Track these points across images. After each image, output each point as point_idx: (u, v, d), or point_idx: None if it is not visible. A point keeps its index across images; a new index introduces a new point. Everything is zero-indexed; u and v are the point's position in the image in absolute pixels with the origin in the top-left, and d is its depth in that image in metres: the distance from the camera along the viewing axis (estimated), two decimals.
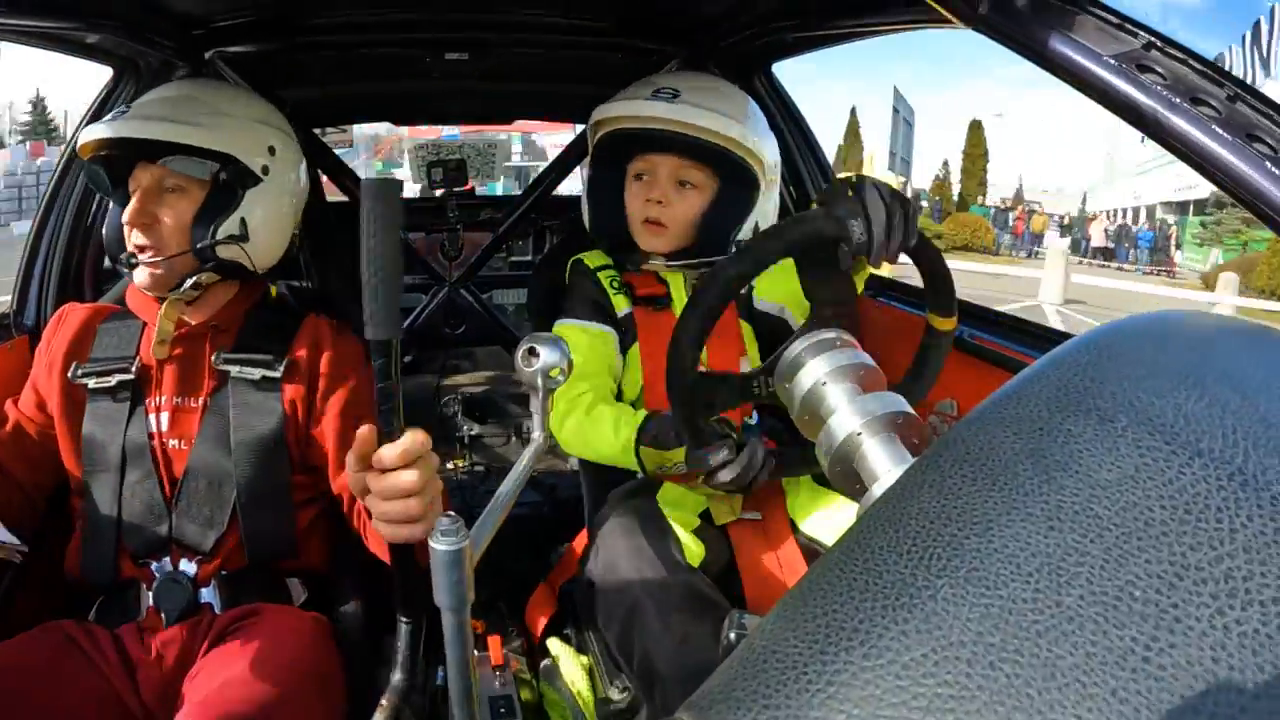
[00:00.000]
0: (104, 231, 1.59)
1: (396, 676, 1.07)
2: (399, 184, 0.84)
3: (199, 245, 1.50)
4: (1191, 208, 32.64)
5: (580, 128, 2.70)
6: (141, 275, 1.51)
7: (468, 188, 3.05)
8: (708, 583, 1.49)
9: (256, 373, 1.53)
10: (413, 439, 0.97)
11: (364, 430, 0.97)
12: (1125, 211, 39.04)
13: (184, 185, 1.50)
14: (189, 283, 1.51)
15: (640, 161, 1.71)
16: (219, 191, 1.52)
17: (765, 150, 1.70)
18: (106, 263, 1.99)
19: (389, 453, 0.96)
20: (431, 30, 2.17)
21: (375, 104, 3.26)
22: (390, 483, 0.97)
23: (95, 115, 1.97)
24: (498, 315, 2.73)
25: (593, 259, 1.83)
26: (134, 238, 1.49)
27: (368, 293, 0.83)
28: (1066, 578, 0.35)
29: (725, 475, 1.33)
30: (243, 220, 1.53)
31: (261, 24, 2.06)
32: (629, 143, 1.71)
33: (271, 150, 1.58)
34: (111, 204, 1.58)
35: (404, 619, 1.07)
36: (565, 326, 1.73)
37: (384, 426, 0.94)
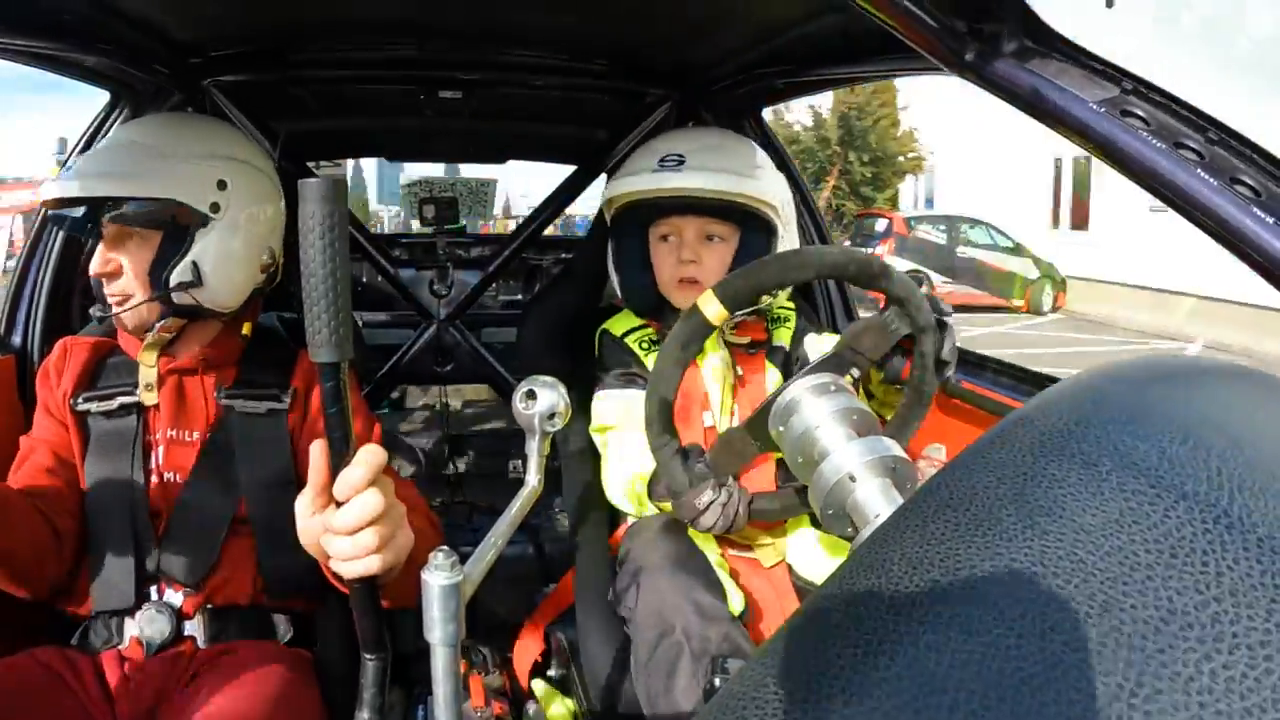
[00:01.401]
0: (82, 291, 1.61)
1: (364, 715, 1.05)
2: (343, 182, 0.78)
3: (154, 294, 1.49)
4: None
5: (570, 169, 2.72)
6: (118, 322, 1.53)
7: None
8: (744, 635, 1.43)
9: (263, 406, 1.54)
10: (364, 458, 0.91)
11: (315, 458, 0.93)
12: None
13: (143, 233, 1.50)
14: (156, 327, 1.51)
15: (664, 225, 1.73)
16: (169, 236, 1.51)
17: (776, 194, 1.72)
18: None
19: (346, 477, 0.90)
20: (426, 68, 2.19)
21: (368, 139, 3.29)
22: (345, 514, 0.92)
23: (90, 140, 1.99)
24: (486, 354, 2.72)
25: (618, 325, 1.83)
26: (104, 286, 1.50)
27: (311, 309, 0.76)
28: (1051, 624, 0.35)
29: (707, 519, 1.32)
30: (194, 264, 1.51)
31: (258, 55, 2.08)
32: (648, 208, 1.72)
33: (222, 185, 1.55)
34: (80, 261, 1.61)
35: (369, 656, 1.04)
36: (601, 398, 1.74)
37: (334, 458, 0.88)
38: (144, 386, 1.53)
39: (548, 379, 1.07)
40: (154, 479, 1.50)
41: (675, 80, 2.28)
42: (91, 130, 2.04)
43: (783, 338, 1.78)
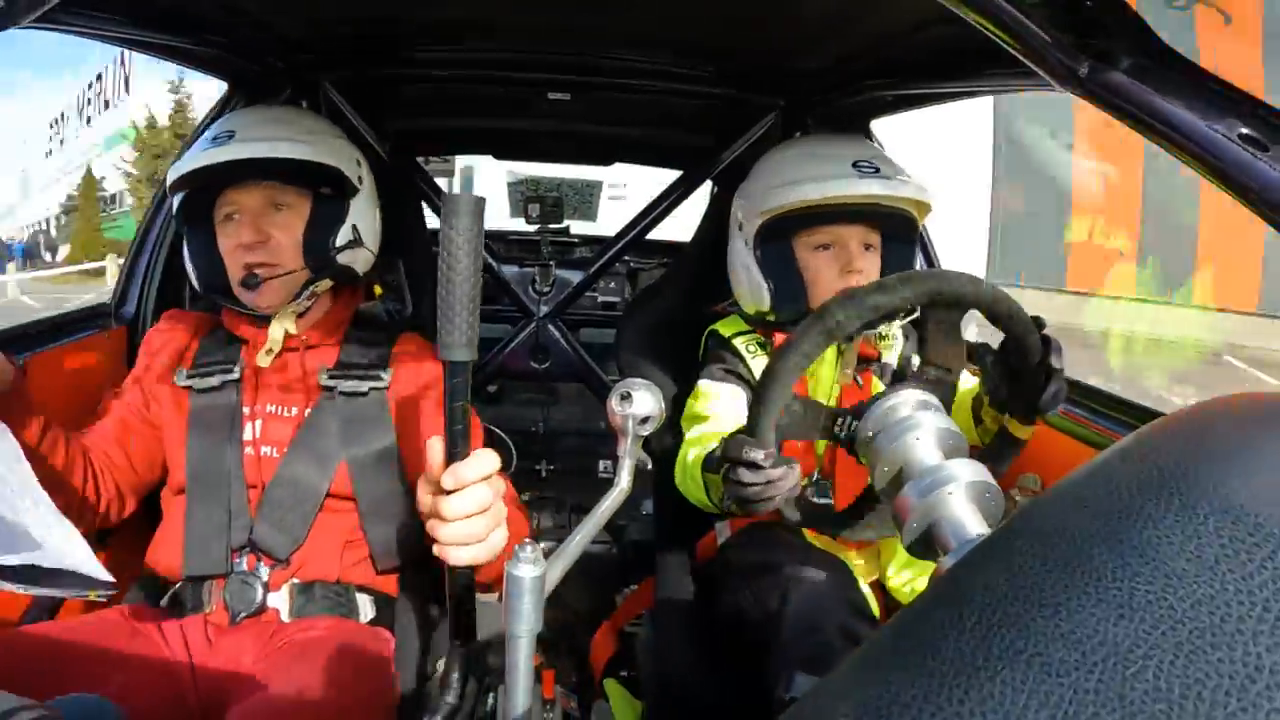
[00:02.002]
0: (194, 264, 1.63)
1: (446, 698, 1.08)
2: (483, 200, 0.83)
3: (320, 255, 1.58)
4: None
5: (675, 174, 2.72)
6: (258, 294, 1.57)
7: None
8: None
9: (365, 385, 1.59)
10: (481, 459, 0.98)
11: (433, 450, 0.98)
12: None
13: (291, 202, 1.58)
14: (306, 293, 1.60)
15: (823, 233, 1.69)
16: (324, 204, 1.60)
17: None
18: None
19: (459, 471, 0.96)
20: (536, 70, 2.23)
21: (476, 137, 3.34)
22: (457, 503, 0.98)
23: (207, 126, 2.08)
24: (584, 353, 2.75)
25: (727, 328, 1.82)
26: (247, 257, 1.56)
27: (444, 312, 0.82)
28: (1134, 670, 0.34)
29: (745, 475, 1.24)
30: (354, 227, 1.62)
31: (370, 52, 2.15)
32: (802, 216, 1.69)
33: (358, 163, 1.67)
34: (192, 240, 1.64)
35: (456, 643, 1.07)
36: (701, 387, 1.73)
37: (452, 448, 0.94)
38: (264, 352, 1.60)
39: (645, 382, 1.07)
40: (250, 452, 1.56)
41: (783, 89, 2.26)
42: (211, 117, 2.12)
43: (890, 355, 1.75)
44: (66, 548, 1.06)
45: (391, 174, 1.77)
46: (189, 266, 1.65)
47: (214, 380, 1.59)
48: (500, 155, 3.67)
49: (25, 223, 45.72)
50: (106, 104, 36.86)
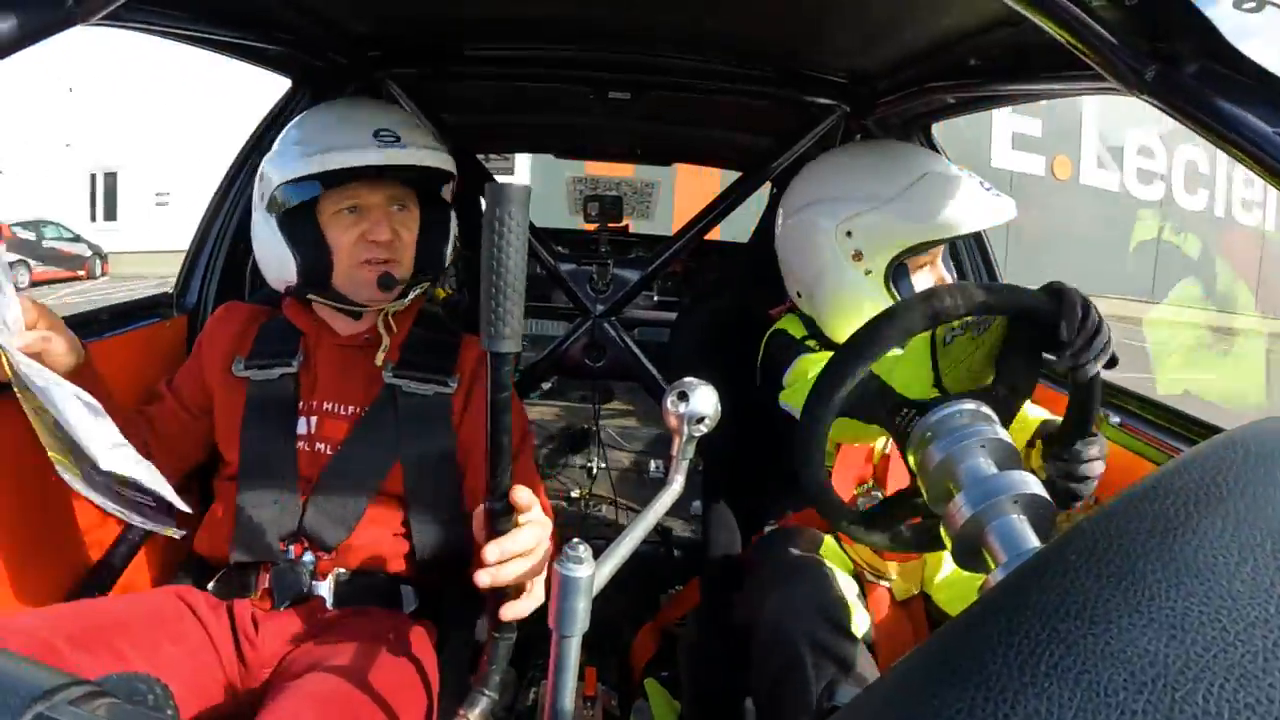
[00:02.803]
0: (299, 252, 1.60)
1: (484, 690, 1.09)
2: (528, 189, 0.82)
3: (434, 261, 1.65)
4: None
5: (734, 175, 2.71)
6: (374, 290, 1.59)
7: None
8: (868, 658, 1.41)
9: (429, 389, 1.60)
10: (524, 535, 1.03)
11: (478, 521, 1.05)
12: None
13: (410, 205, 1.62)
14: (412, 294, 1.64)
15: (927, 255, 1.69)
16: (432, 210, 1.65)
17: None
18: None
19: (504, 545, 1.03)
20: (595, 69, 2.23)
21: (536, 135, 3.36)
22: (502, 574, 1.04)
23: (273, 122, 2.12)
24: (639, 353, 2.75)
25: (796, 329, 1.78)
26: (382, 254, 1.58)
27: (488, 303, 0.81)
28: (1183, 693, 0.33)
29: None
30: (455, 238, 1.68)
31: (432, 49, 2.17)
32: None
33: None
34: (294, 229, 1.60)
35: (498, 635, 1.08)
36: (803, 359, 1.67)
37: (495, 438, 0.94)
38: (381, 350, 1.63)
39: (701, 382, 1.07)
40: (305, 446, 1.57)
41: (844, 91, 2.25)
42: (274, 114, 2.16)
43: None
44: (156, 483, 1.28)
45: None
46: (273, 259, 1.63)
47: (273, 372, 1.61)
48: (560, 154, 3.68)
49: None
50: None
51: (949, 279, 1.66)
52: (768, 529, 1.72)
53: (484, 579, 1.05)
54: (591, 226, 3.20)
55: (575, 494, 3.03)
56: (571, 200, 3.90)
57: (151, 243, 18.59)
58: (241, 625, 1.47)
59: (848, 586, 1.53)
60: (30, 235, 19.05)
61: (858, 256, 1.67)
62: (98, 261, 20.18)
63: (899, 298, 1.63)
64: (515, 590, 1.08)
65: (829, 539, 1.63)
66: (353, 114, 1.64)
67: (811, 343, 1.73)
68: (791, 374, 1.65)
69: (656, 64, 2.18)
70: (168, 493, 1.33)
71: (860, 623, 1.47)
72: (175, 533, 1.42)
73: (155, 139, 21.05)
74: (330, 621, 1.48)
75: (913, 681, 0.40)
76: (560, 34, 2.07)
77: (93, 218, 22.67)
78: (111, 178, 23.13)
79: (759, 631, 1.43)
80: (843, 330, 1.68)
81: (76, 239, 20.02)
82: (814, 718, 1.28)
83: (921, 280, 1.67)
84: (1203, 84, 0.98)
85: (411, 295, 1.64)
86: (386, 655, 1.38)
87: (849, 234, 1.67)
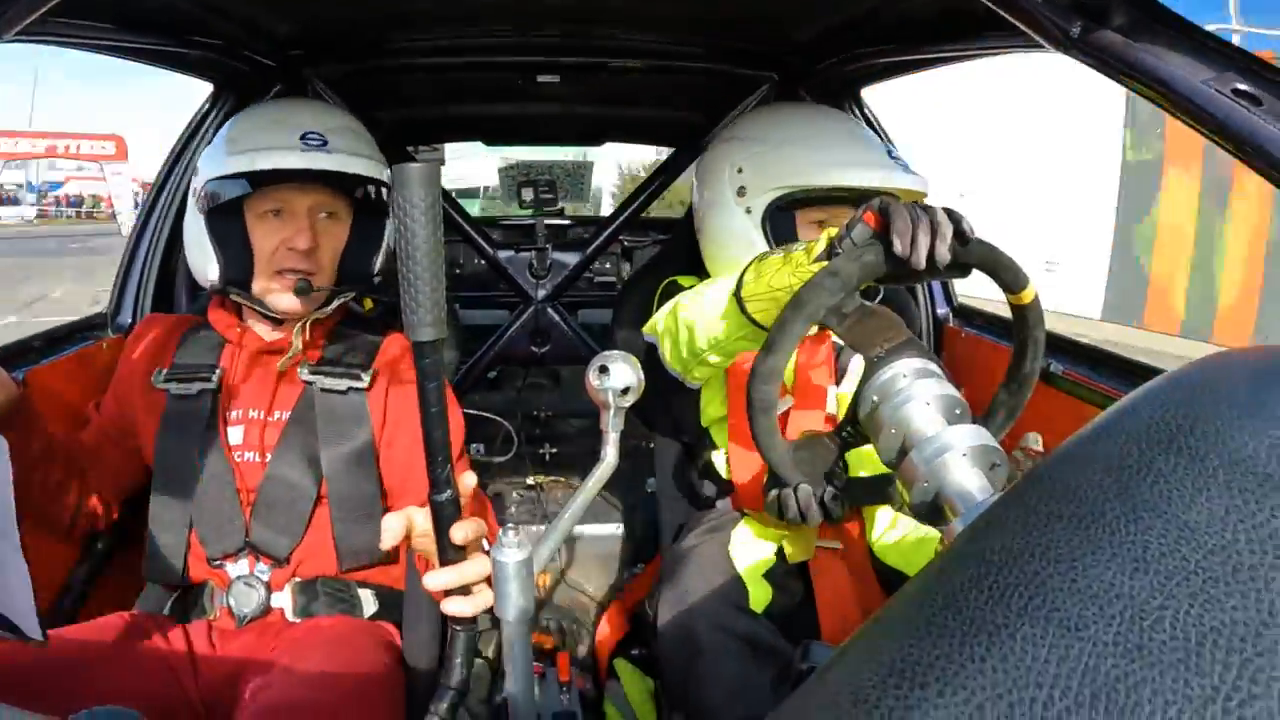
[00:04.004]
0: (222, 254, 1.57)
1: (449, 685, 1.08)
2: (435, 168, 0.79)
3: (359, 273, 1.61)
4: None
5: (666, 152, 2.73)
6: (307, 301, 1.56)
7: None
8: (770, 629, 1.47)
9: (343, 384, 1.57)
10: (466, 569, 0.98)
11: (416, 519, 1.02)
12: None
13: (340, 212, 1.58)
14: (335, 304, 1.59)
15: (820, 212, 1.67)
16: (365, 219, 1.61)
17: None
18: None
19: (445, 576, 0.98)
20: (524, 53, 2.21)
21: (468, 124, 3.33)
22: (451, 577, 1.00)
23: (194, 131, 2.07)
24: (584, 335, 2.75)
25: (688, 280, 1.80)
26: (300, 263, 1.54)
27: (409, 290, 0.78)
28: (1150, 621, 0.34)
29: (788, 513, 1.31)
30: (388, 246, 1.62)
31: (358, 44, 2.13)
32: (811, 198, 1.66)
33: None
34: (218, 230, 1.57)
35: (457, 628, 1.08)
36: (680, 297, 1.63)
37: (429, 432, 0.91)
38: (287, 359, 1.58)
39: (621, 354, 1.06)
40: (238, 457, 1.55)
41: (775, 61, 2.25)
42: (196, 123, 2.11)
43: None
44: (14, 590, 1.03)
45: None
46: (199, 256, 1.60)
47: (192, 386, 1.57)
48: (491, 141, 3.65)
49: None
50: None
51: None
52: (719, 502, 1.75)
53: (430, 582, 1.04)
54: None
55: (530, 481, 3.02)
56: (505, 187, 3.88)
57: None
58: (201, 647, 1.45)
59: (752, 563, 1.59)
60: None
61: (741, 193, 1.70)
62: None
63: (771, 244, 1.64)
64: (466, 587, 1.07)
65: (747, 519, 1.67)
66: (287, 115, 1.61)
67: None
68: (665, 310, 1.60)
69: (585, 45, 2.17)
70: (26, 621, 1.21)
71: (758, 597, 1.53)
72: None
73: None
74: (290, 634, 1.47)
75: (890, 632, 0.41)
76: (486, 20, 2.04)
77: None
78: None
79: (660, 620, 1.52)
80: (717, 268, 1.73)
81: None
82: (793, 682, 1.31)
83: (809, 238, 1.65)
84: (1128, 38, 1.00)
85: (334, 305, 1.59)
86: (350, 662, 1.38)
87: (740, 170, 1.71)
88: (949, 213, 1.13)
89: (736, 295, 1.29)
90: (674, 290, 1.79)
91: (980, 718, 0.34)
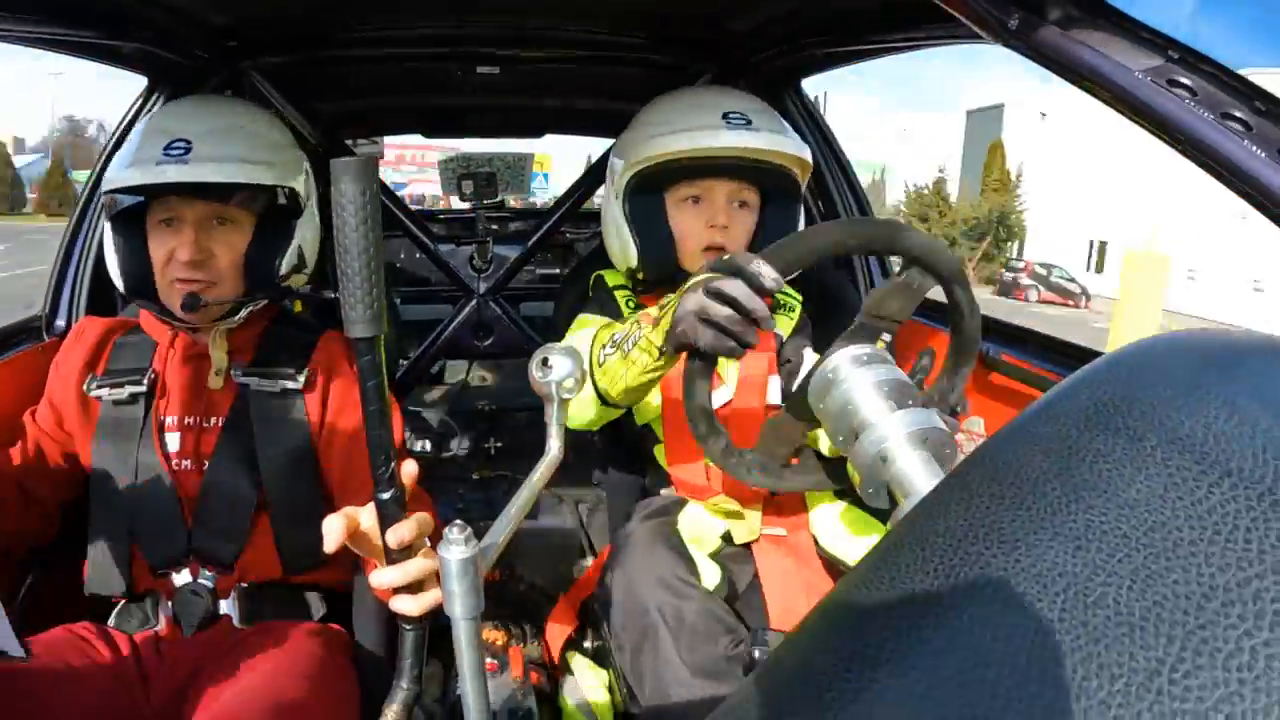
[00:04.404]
0: (121, 265, 1.54)
1: (401, 685, 1.07)
2: (374, 161, 0.78)
3: (263, 278, 1.52)
4: None
5: (610, 142, 2.72)
6: (198, 315, 1.51)
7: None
8: (723, 606, 1.48)
9: (276, 385, 1.54)
10: (410, 569, 0.98)
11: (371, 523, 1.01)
12: None
13: (237, 218, 1.51)
14: (244, 312, 1.53)
15: (691, 187, 1.66)
16: (269, 222, 1.53)
17: (810, 156, 1.70)
18: None
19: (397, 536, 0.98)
20: (463, 44, 2.19)
21: (406, 116, 3.29)
22: (396, 576, 1.00)
23: (127, 128, 2.00)
24: (526, 328, 2.74)
25: (612, 277, 1.81)
26: (187, 274, 1.48)
27: (345, 286, 0.77)
28: (1093, 598, 0.35)
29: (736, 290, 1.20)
30: (299, 249, 1.55)
31: (296, 37, 2.09)
32: (674, 170, 1.66)
33: (308, 173, 1.59)
34: (122, 241, 1.54)
35: (407, 627, 1.07)
36: (579, 318, 1.69)
37: (373, 432, 0.90)
38: (214, 374, 1.54)
39: (563, 345, 1.06)
40: (176, 464, 1.51)
41: (714, 51, 2.26)
42: (130, 117, 2.05)
43: (782, 326, 1.74)
44: None
45: (323, 160, 1.72)
46: (110, 262, 1.56)
47: (123, 391, 1.53)
48: (431, 133, 3.61)
49: None
50: None
51: (729, 223, 1.64)
52: (663, 490, 1.75)
53: (376, 581, 1.03)
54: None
55: (476, 476, 3.00)
56: (445, 180, 3.85)
57: None
58: (147, 658, 1.42)
59: (698, 545, 1.60)
60: (1043, 272, 33.33)
61: (613, 181, 1.74)
62: (1083, 299, 32.13)
63: (629, 223, 1.68)
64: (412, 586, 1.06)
65: (692, 504, 1.68)
66: (163, 122, 1.56)
67: (621, 293, 1.75)
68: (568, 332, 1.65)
69: (524, 36, 2.16)
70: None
71: (709, 577, 1.53)
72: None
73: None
74: (239, 640, 1.44)
75: (836, 618, 0.41)
76: (425, 11, 2.02)
77: (1086, 269, 35.03)
78: (1103, 245, 35.83)
79: (613, 607, 1.52)
80: (616, 259, 1.76)
81: (1072, 280, 33.01)
82: (744, 669, 1.32)
83: (683, 216, 1.67)
84: (1065, 30, 1.02)
85: (243, 313, 1.54)
86: (301, 667, 1.36)
87: (613, 164, 1.75)
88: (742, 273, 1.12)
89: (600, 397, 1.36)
90: (600, 285, 1.80)
91: (930, 698, 0.35)
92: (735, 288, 1.10)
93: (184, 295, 1.47)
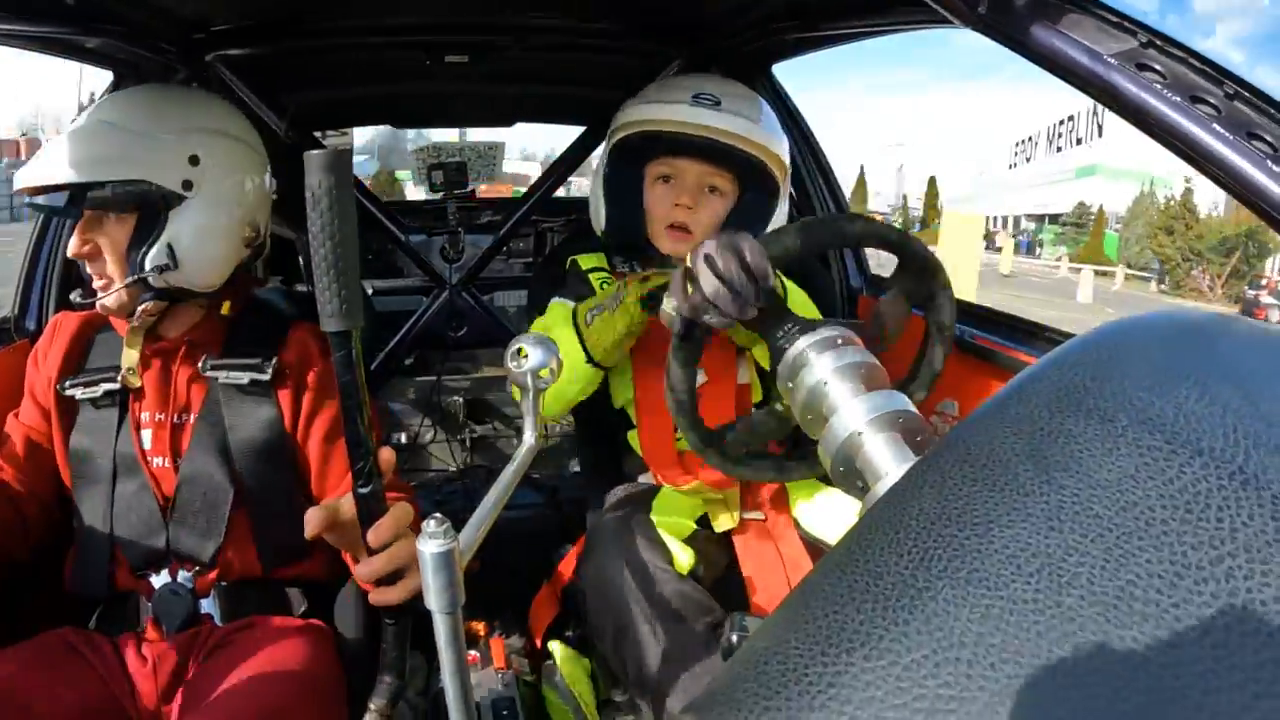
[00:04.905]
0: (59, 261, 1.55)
1: (385, 679, 1.07)
2: (347, 153, 0.79)
3: (130, 279, 1.45)
4: (1047, 219, 53.92)
5: (579, 130, 2.71)
6: (96, 307, 1.49)
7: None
8: (698, 589, 1.48)
9: (244, 376, 1.51)
10: (393, 558, 1.00)
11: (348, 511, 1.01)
12: (995, 219, 57.41)
13: (117, 214, 1.45)
14: (137, 311, 1.48)
15: (664, 164, 1.68)
16: (145, 217, 1.46)
17: (785, 155, 1.70)
18: None
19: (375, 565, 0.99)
20: (432, 33, 2.17)
21: (375, 107, 3.26)
22: (377, 566, 1.01)
23: None
24: (499, 317, 2.73)
25: (586, 261, 1.81)
26: (86, 267, 1.48)
27: (320, 280, 0.77)
28: (1067, 578, 0.35)
29: (728, 268, 1.15)
30: (168, 246, 1.46)
31: (262, 28, 2.06)
32: (654, 143, 1.67)
33: (194, 160, 1.48)
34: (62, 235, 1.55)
35: (389, 620, 1.07)
36: (553, 304, 1.69)
37: (349, 427, 0.90)
38: (126, 370, 1.51)
39: (537, 335, 1.06)
40: (147, 463, 1.49)
41: (686, 37, 2.25)
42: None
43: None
44: None
45: (292, 152, 1.69)
46: None
47: (98, 390, 1.51)
48: (401, 124, 3.58)
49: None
50: (1079, 140, 52.04)
51: (693, 204, 1.66)
52: (641, 477, 1.76)
53: (362, 572, 1.03)
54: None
55: (453, 468, 3.00)
56: (415, 170, 3.82)
57: None
58: (131, 660, 1.40)
59: (673, 531, 1.60)
60: None
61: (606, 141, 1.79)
62: None
63: (605, 188, 1.74)
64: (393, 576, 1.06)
65: (667, 489, 1.68)
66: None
67: (597, 275, 1.77)
68: (543, 320, 1.68)
69: (494, 24, 2.14)
70: None
71: (682, 560, 1.53)
72: None
73: None
74: (221, 639, 1.43)
75: (812, 603, 0.41)
76: (392, 0, 2.00)
77: None
78: None
79: (587, 594, 1.54)
80: (595, 224, 1.80)
81: None
82: (722, 654, 1.32)
83: (655, 192, 1.70)
84: (1035, 14, 1.02)
85: (137, 314, 1.48)
86: (286, 662, 1.35)
87: (611, 124, 1.78)
88: (741, 261, 1.12)
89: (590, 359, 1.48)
90: (575, 269, 1.80)
91: (907, 679, 0.35)
92: (745, 248, 1.12)
93: (83, 288, 1.49)
